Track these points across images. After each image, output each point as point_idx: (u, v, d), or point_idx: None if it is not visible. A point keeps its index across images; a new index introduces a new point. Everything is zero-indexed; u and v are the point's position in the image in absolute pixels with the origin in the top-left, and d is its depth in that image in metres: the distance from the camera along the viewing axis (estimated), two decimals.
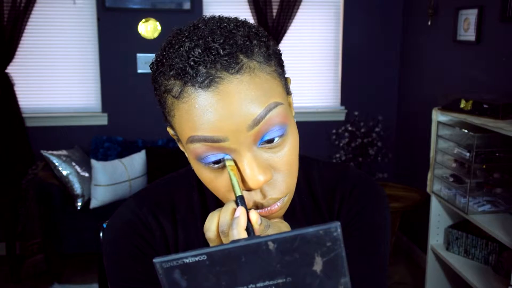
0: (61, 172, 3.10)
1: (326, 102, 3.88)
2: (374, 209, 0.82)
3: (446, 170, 2.60)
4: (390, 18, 3.78)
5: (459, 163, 2.51)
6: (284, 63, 0.70)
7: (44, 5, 3.40)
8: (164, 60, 0.63)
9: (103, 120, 3.59)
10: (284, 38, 3.61)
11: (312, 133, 3.77)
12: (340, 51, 3.79)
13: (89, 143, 3.51)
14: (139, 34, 3.52)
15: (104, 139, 3.48)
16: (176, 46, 0.62)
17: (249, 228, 0.56)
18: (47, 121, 3.52)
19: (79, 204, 3.13)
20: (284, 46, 3.57)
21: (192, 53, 0.60)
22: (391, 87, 3.88)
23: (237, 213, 0.57)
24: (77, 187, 3.12)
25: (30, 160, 3.41)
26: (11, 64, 3.35)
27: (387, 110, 3.87)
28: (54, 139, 3.50)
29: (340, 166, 0.86)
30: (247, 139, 0.61)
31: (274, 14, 3.57)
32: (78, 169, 3.17)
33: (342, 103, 3.86)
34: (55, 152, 3.16)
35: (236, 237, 0.55)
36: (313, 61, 3.79)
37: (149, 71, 3.54)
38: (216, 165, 0.64)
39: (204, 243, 0.78)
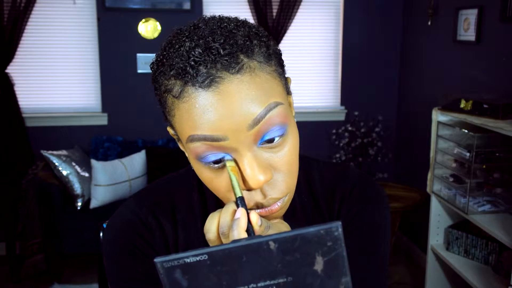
0: (61, 172, 3.10)
1: (326, 102, 3.88)
2: (374, 209, 0.82)
3: (446, 170, 2.60)
4: (390, 18, 3.78)
5: (459, 163, 2.51)
6: (284, 63, 0.70)
7: (44, 5, 3.40)
8: (165, 60, 0.63)
9: (103, 120, 3.59)
10: (284, 38, 3.62)
11: (312, 133, 3.77)
12: (340, 51, 3.79)
13: (89, 143, 3.51)
14: (139, 34, 3.52)
15: (104, 139, 3.48)
16: (177, 46, 0.62)
17: (250, 229, 0.56)
18: (47, 121, 3.52)
19: (79, 204, 3.13)
20: (284, 46, 3.57)
21: (193, 53, 0.60)
22: (391, 87, 3.88)
23: (237, 214, 0.57)
24: (77, 187, 3.12)
25: (30, 160, 3.41)
26: (11, 64, 3.35)
27: (387, 110, 3.87)
28: (54, 139, 3.50)
29: (340, 166, 0.87)
30: (247, 138, 0.61)
31: (274, 14, 3.57)
32: (78, 169, 3.17)
33: (342, 103, 3.86)
34: (55, 152, 3.16)
35: (237, 238, 0.55)
36: (313, 61, 3.79)
37: (149, 71, 3.54)
38: (216, 165, 0.64)
39: (204, 243, 0.77)
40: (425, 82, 3.44)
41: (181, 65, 0.60)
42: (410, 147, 3.72)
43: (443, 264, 2.77)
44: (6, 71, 3.34)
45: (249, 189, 0.64)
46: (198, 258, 0.45)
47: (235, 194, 0.59)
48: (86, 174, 3.19)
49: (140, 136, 3.59)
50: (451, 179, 2.55)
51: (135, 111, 3.62)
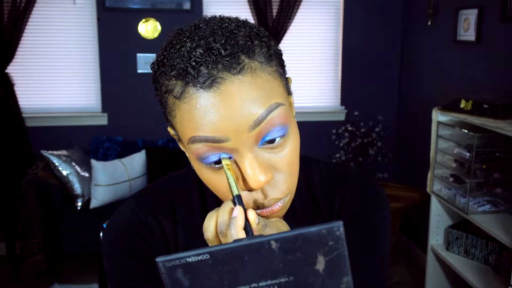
0: (61, 172, 3.10)
1: (326, 102, 3.88)
2: (374, 209, 0.82)
3: (446, 170, 2.60)
4: (390, 18, 3.78)
5: (459, 163, 2.51)
6: (285, 63, 0.70)
7: (44, 5, 3.40)
8: (165, 60, 0.63)
9: (103, 120, 3.59)
10: (284, 38, 3.62)
11: (312, 133, 3.77)
12: (340, 51, 3.79)
13: (89, 143, 3.51)
14: (139, 34, 3.52)
15: (104, 139, 3.48)
16: (178, 46, 0.62)
17: (247, 227, 0.56)
18: (47, 121, 3.52)
19: (79, 204, 3.13)
20: (284, 46, 3.57)
21: (194, 53, 0.60)
22: (391, 87, 3.88)
23: (234, 213, 0.57)
24: (77, 187, 3.12)
25: (30, 160, 3.41)
26: (11, 64, 3.35)
27: (387, 110, 3.88)
28: (54, 139, 3.50)
29: (340, 166, 0.87)
30: (248, 139, 0.61)
31: (274, 14, 3.57)
32: (78, 169, 3.17)
33: (342, 103, 3.86)
34: (55, 152, 3.16)
35: (234, 237, 0.55)
36: (313, 61, 3.79)
37: (149, 71, 3.55)
38: (217, 165, 0.64)
39: (205, 243, 0.77)
40: (425, 82, 3.44)
41: (182, 66, 0.60)
42: (410, 147, 3.72)
43: (443, 264, 2.77)
44: (6, 71, 3.34)
45: (250, 190, 0.64)
46: (199, 258, 0.45)
47: (232, 192, 0.59)
48: (86, 174, 3.19)
49: (140, 136, 3.59)
50: (451, 179, 2.55)
51: (135, 111, 3.62)
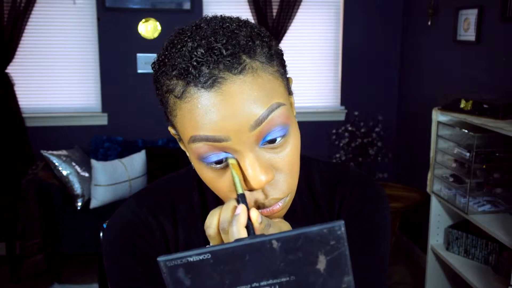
0: (61, 172, 3.10)
1: (326, 102, 3.88)
2: (374, 209, 0.82)
3: (446, 170, 2.61)
4: (390, 18, 3.78)
5: (459, 163, 2.51)
6: (286, 63, 0.70)
7: (44, 5, 3.40)
8: (166, 60, 0.63)
9: (103, 120, 3.59)
10: (284, 38, 3.62)
11: (312, 133, 3.77)
12: (340, 51, 3.79)
13: (89, 143, 3.51)
14: (139, 34, 3.52)
15: (104, 139, 3.48)
16: (179, 46, 0.62)
17: (249, 226, 0.57)
18: (47, 121, 3.52)
19: (79, 204, 3.13)
20: (284, 46, 3.57)
21: (195, 53, 0.60)
22: (391, 87, 3.88)
23: (237, 211, 0.57)
24: (77, 187, 3.12)
25: (30, 160, 3.41)
26: (11, 64, 3.35)
27: (387, 110, 3.88)
28: (54, 139, 3.50)
29: (340, 166, 0.87)
30: (249, 139, 0.61)
31: (274, 14, 3.57)
32: (78, 169, 3.17)
33: (342, 103, 3.86)
34: (55, 152, 3.16)
35: (236, 234, 0.55)
36: (313, 61, 3.79)
37: (149, 71, 3.55)
38: (218, 165, 0.64)
39: (205, 242, 0.78)
40: (425, 82, 3.44)
41: (184, 66, 0.60)
42: (410, 147, 3.72)
43: (443, 264, 2.77)
44: (6, 71, 3.34)
45: (251, 189, 0.64)
46: (201, 257, 0.45)
47: (236, 191, 0.59)
48: (86, 174, 3.19)
49: (140, 136, 3.60)
50: (451, 179, 2.55)
51: (135, 111, 3.62)
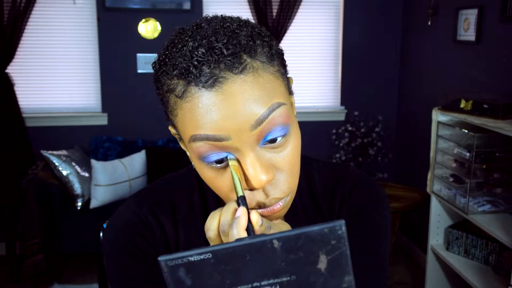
0: (61, 172, 3.10)
1: (326, 102, 3.88)
2: (374, 209, 0.82)
3: (446, 170, 2.61)
4: (390, 18, 3.78)
5: (459, 163, 2.51)
6: (286, 63, 0.70)
7: (44, 5, 3.40)
8: (167, 60, 0.63)
9: (103, 120, 3.59)
10: (284, 38, 3.62)
11: (312, 133, 3.77)
12: (340, 51, 3.79)
13: (89, 143, 3.51)
14: (139, 34, 3.52)
15: (104, 139, 3.48)
16: (179, 46, 0.62)
17: (250, 228, 0.57)
18: (47, 121, 3.52)
19: (79, 204, 3.13)
20: (284, 46, 3.57)
21: (196, 52, 0.60)
22: (391, 87, 3.88)
23: (238, 213, 0.57)
24: (77, 187, 3.12)
25: (30, 160, 3.41)
26: (11, 64, 3.35)
27: (387, 110, 3.88)
28: (54, 139, 3.50)
29: (340, 166, 0.87)
30: (250, 138, 0.61)
31: (274, 14, 3.57)
32: (78, 169, 3.17)
33: (342, 103, 3.86)
34: (55, 152, 3.16)
35: (236, 237, 0.55)
36: (313, 61, 3.79)
37: (149, 71, 3.55)
38: (218, 165, 0.64)
39: (205, 242, 0.78)
40: (425, 82, 3.44)
41: (184, 65, 0.60)
42: (410, 147, 3.72)
43: (443, 264, 2.77)
44: (6, 71, 3.34)
45: (252, 189, 0.64)
46: (202, 257, 0.45)
47: (236, 193, 0.59)
48: (86, 174, 3.19)
49: (140, 136, 3.60)
50: (451, 179, 2.55)
51: (135, 111, 3.62)
